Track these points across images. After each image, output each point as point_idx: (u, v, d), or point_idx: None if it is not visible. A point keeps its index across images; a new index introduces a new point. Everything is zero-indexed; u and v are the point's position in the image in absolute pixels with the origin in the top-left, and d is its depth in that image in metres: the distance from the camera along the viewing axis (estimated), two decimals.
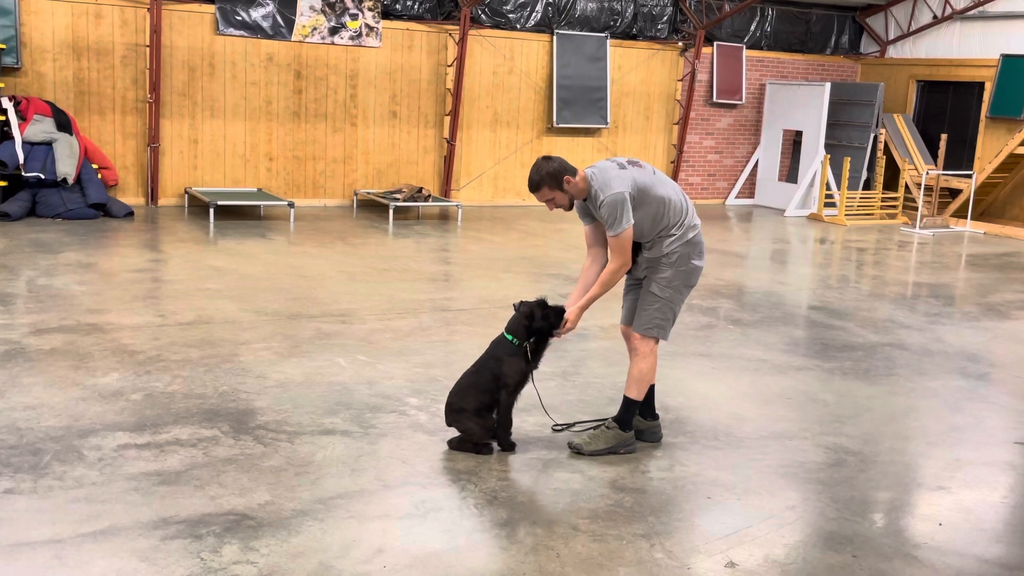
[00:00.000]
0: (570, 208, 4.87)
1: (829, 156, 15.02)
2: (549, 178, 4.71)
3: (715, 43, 15.63)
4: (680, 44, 15.40)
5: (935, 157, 14.99)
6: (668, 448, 5.05)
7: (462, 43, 13.46)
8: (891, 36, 16.64)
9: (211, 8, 12.32)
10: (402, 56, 13.54)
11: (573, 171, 4.74)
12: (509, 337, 4.86)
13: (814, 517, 4.33)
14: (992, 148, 14.80)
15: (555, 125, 14.51)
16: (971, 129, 15.47)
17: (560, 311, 4.87)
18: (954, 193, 15.03)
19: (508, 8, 14.12)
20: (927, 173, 14.42)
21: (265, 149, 12.98)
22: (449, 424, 4.91)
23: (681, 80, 15.56)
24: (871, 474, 4.86)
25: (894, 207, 15.00)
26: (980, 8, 15.12)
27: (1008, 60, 14.58)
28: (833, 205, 14.88)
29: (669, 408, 5.62)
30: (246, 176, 12.93)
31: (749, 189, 16.62)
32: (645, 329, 4.85)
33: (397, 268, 9.53)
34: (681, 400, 5.81)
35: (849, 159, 14.66)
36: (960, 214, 14.51)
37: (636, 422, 5.05)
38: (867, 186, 15.64)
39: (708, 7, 15.09)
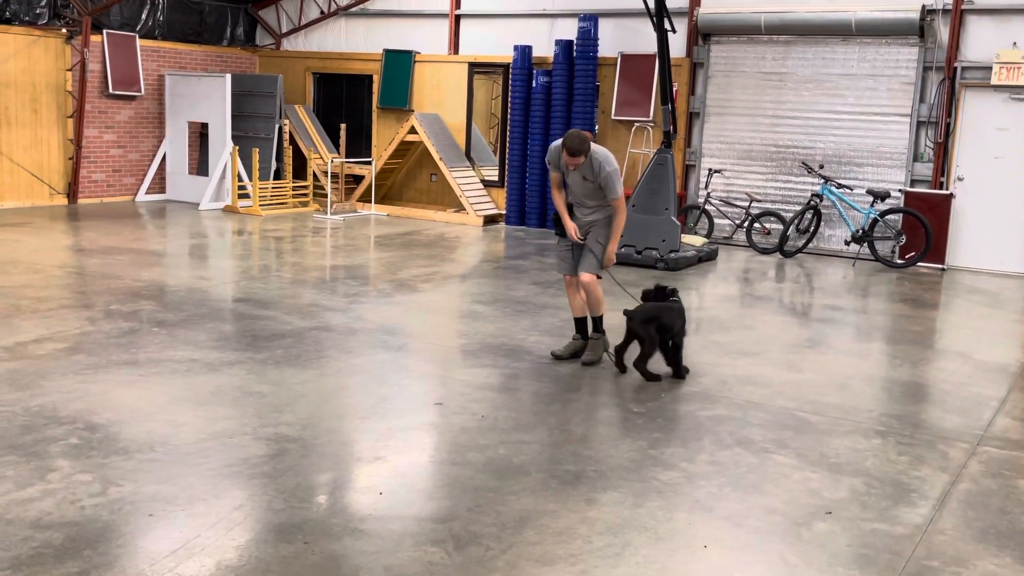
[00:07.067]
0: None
1: (238, 148, 15.05)
2: (587, 148, 6.40)
3: (105, 31, 14.67)
4: (65, 31, 14.18)
5: (337, 146, 15.83)
6: (98, 470, 4.60)
7: None
8: (284, 29, 17.14)
9: None
10: None
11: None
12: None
13: (262, 512, 4.27)
14: (386, 136, 16.07)
15: None
16: (366, 119, 16.62)
17: (672, 290, 6.78)
18: (358, 179, 16.05)
19: None
20: (332, 161, 15.19)
21: None
22: (636, 333, 6.46)
23: (70, 70, 14.36)
24: (312, 458, 4.94)
25: (305, 195, 15.57)
26: (361, 6, 16.25)
27: (390, 54, 15.90)
28: (247, 196, 14.97)
29: (96, 426, 5.14)
30: None
31: (159, 184, 15.98)
32: (592, 269, 6.75)
33: None
34: (109, 416, 5.35)
35: (258, 150, 14.84)
36: (365, 199, 15.54)
37: (575, 345, 6.96)
38: (278, 176, 15.99)
39: None
